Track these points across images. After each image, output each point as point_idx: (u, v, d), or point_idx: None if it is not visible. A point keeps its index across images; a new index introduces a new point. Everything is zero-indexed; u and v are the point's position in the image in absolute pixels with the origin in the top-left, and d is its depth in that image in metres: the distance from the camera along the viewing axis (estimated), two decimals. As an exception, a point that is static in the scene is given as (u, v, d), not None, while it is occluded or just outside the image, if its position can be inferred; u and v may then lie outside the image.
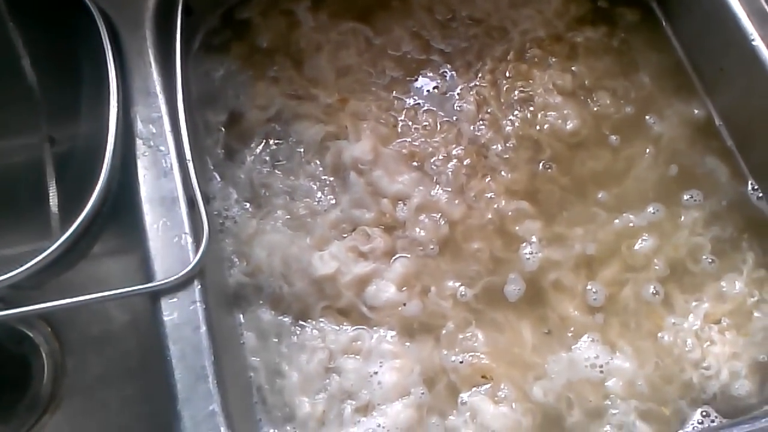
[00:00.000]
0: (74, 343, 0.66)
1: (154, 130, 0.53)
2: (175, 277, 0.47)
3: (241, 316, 0.56)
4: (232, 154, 0.61)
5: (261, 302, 0.56)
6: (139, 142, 0.53)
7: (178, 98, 0.52)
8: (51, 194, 0.62)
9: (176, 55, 0.54)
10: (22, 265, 0.49)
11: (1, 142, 0.65)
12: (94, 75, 0.56)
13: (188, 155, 0.51)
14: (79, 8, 0.55)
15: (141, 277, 0.51)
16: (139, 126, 0.53)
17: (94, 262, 0.60)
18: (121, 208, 0.52)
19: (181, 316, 0.48)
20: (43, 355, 0.64)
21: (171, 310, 0.48)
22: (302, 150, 0.61)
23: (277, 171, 0.61)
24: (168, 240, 0.50)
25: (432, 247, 0.58)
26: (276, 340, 0.55)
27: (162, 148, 0.52)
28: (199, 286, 0.48)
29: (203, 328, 0.47)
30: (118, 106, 0.51)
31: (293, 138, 0.61)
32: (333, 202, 0.59)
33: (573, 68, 0.65)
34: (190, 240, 0.50)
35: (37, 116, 0.64)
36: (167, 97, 0.54)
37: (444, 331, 0.56)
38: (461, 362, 0.54)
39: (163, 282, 0.47)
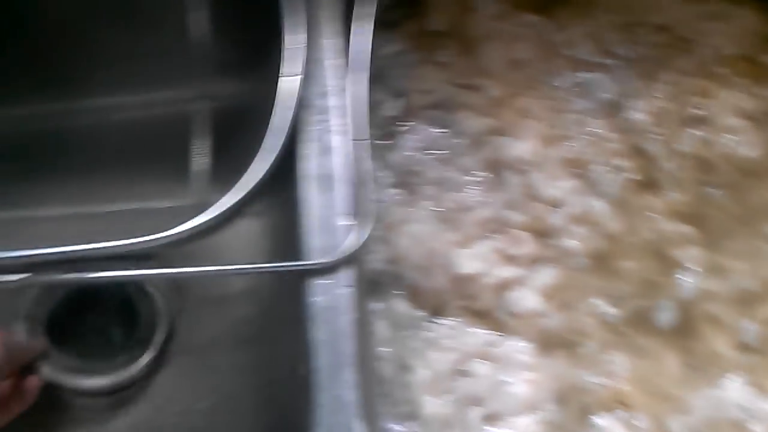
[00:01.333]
0: (194, 304, 0.67)
1: (325, 106, 0.52)
2: (332, 259, 0.47)
3: (376, 304, 0.55)
4: (389, 136, 0.60)
5: (398, 292, 0.55)
6: (306, 114, 0.52)
7: (360, 75, 0.51)
8: (201, 152, 0.62)
9: (356, 25, 0.53)
10: (165, 220, 0.50)
11: (160, 93, 0.66)
12: (267, 40, 0.56)
13: (360, 135, 0.50)
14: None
15: (288, 252, 0.51)
16: (308, 98, 0.52)
17: (239, 231, 0.61)
18: (278, 180, 0.52)
19: (330, 300, 0.47)
20: (161, 309, 0.66)
21: (319, 292, 0.47)
22: (461, 141, 0.59)
23: (432, 159, 0.59)
24: (323, 219, 0.50)
25: (583, 259, 0.56)
26: (408, 333, 0.54)
27: (331, 125, 0.52)
28: (356, 271, 0.48)
29: (350, 316, 0.47)
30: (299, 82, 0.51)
31: (454, 128, 0.60)
32: (485, 199, 0.57)
33: (760, 92, 0.60)
34: (346, 222, 0.49)
35: (200, 73, 0.64)
36: (345, 70, 0.53)
37: (583, 350, 0.54)
38: (598, 384, 0.52)
39: (318, 263, 0.47)
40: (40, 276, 0.46)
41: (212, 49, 0.63)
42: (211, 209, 0.49)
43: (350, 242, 0.48)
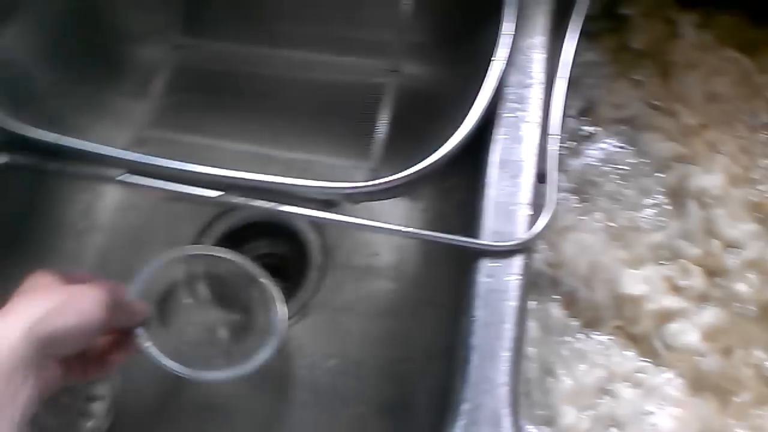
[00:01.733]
0: (341, 269, 0.68)
1: (525, 95, 0.52)
2: (510, 242, 0.46)
3: (530, 302, 0.54)
4: (572, 141, 0.59)
5: (555, 297, 0.54)
6: (503, 101, 0.52)
7: (562, 75, 0.51)
8: (382, 121, 0.63)
9: (571, 27, 0.53)
10: (338, 177, 0.51)
11: (353, 59, 0.68)
12: (472, 26, 0.57)
13: (554, 131, 0.49)
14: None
15: (460, 231, 0.50)
16: (509, 87, 0.52)
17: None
18: (467, 161, 0.51)
19: (498, 284, 0.47)
20: (311, 266, 0.67)
21: (489, 274, 0.47)
22: (644, 161, 0.58)
23: (611, 174, 0.58)
24: (503, 205, 0.49)
25: (751, 308, 0.53)
26: (558, 339, 0.53)
27: (527, 115, 0.51)
28: (525, 260, 0.47)
29: (515, 303, 0.46)
30: (501, 66, 0.50)
31: (639, 147, 0.59)
32: (661, 224, 0.56)
33: None
34: (526, 212, 0.49)
35: (395, 44, 0.66)
36: (547, 67, 0.53)
37: (736, 399, 0.51)
38: (745, 437, 0.50)
39: (496, 244, 0.47)
40: (234, 197, 0.48)
41: (415, 26, 0.64)
42: (398, 174, 0.49)
43: (526, 231, 0.47)
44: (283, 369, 0.63)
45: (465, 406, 0.44)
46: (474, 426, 0.43)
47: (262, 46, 0.67)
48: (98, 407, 0.61)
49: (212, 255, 0.55)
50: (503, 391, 0.44)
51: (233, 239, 0.69)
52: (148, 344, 0.49)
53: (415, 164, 0.49)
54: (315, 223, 0.70)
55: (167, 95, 0.66)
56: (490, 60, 0.53)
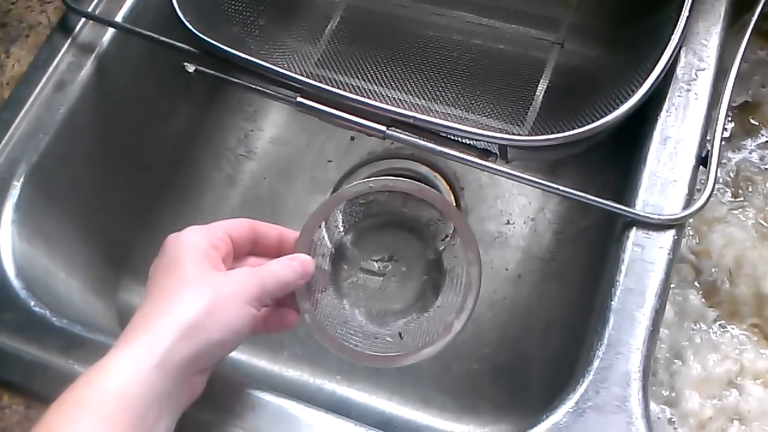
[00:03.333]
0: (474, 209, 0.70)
1: (695, 78, 0.52)
2: (666, 216, 0.47)
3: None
4: (732, 136, 0.58)
5: (695, 284, 0.54)
6: (675, 82, 0.52)
7: (735, 61, 0.51)
8: (538, 92, 0.64)
9: (750, 23, 0.52)
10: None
11: (517, 28, 0.69)
12: (647, 9, 0.57)
13: (721, 116, 0.49)
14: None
15: (602, 195, 0.51)
16: (681, 69, 0.52)
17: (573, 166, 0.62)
18: (621, 134, 0.52)
19: (648, 255, 0.47)
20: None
21: (638, 244, 0.47)
22: (807, 166, 0.57)
23: (768, 174, 0.57)
24: (661, 180, 0.49)
25: None
26: (694, 326, 0.53)
27: (696, 97, 0.51)
28: (675, 237, 0.47)
29: (661, 277, 0.46)
30: (676, 43, 0.50)
31: (803, 150, 0.57)
32: (816, 231, 0.54)
33: None
34: (683, 192, 0.49)
35: (562, 20, 0.66)
36: (720, 54, 0.53)
37: None
38: None
39: (651, 215, 0.47)
40: (399, 132, 0.50)
41: (583, 5, 0.65)
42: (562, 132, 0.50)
43: (680, 209, 0.48)
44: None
45: (597, 363, 0.44)
46: (603, 383, 0.44)
47: (432, 2, 0.69)
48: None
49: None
50: (637, 357, 0.45)
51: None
52: (307, 315, 0.44)
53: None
54: (454, 186, 0.73)
55: (336, 41, 0.70)
56: (656, 47, 0.53)
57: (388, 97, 0.62)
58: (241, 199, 0.73)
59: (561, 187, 0.48)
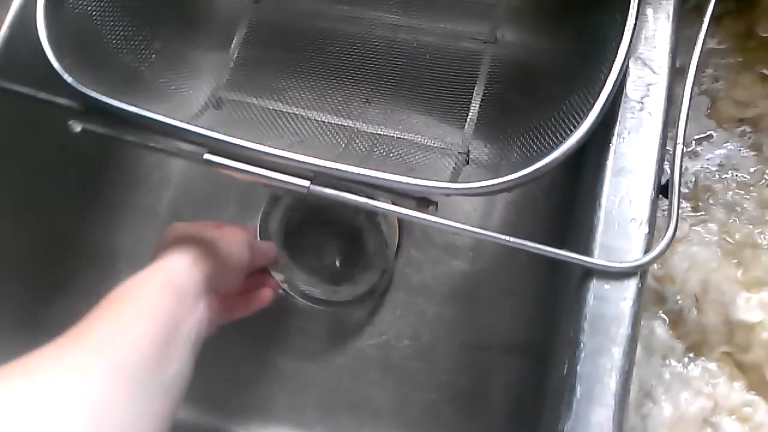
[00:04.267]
0: (418, 249, 0.65)
1: (648, 94, 0.47)
2: (627, 264, 0.42)
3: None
4: (688, 140, 0.54)
5: (660, 314, 0.50)
6: (627, 101, 0.47)
7: (691, 70, 0.45)
8: (475, 95, 0.58)
9: (702, 27, 0.46)
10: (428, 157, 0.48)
11: (452, 25, 0.62)
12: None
13: (680, 138, 0.44)
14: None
15: (550, 240, 0.46)
16: (632, 84, 0.47)
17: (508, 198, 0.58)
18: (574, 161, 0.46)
19: (610, 308, 0.42)
20: (386, 246, 0.64)
21: (601, 296, 0.43)
22: (768, 169, 0.52)
23: (729, 181, 0.53)
24: (619, 218, 0.45)
25: None
26: (660, 361, 0.49)
27: (650, 116, 0.46)
28: (639, 285, 0.43)
29: (626, 332, 0.42)
30: (624, 56, 0.45)
31: (764, 153, 0.53)
32: (784, 243, 0.51)
33: None
34: (644, 230, 0.44)
35: (495, 8, 0.60)
36: (672, 62, 0.47)
37: None
38: None
39: (610, 264, 0.42)
40: (324, 189, 0.44)
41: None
42: (501, 175, 0.44)
43: (641, 250, 0.43)
44: (351, 345, 0.62)
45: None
46: (574, 462, 0.40)
47: (346, 5, 0.62)
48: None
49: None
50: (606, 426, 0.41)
51: (311, 207, 0.65)
52: (283, 283, 0.57)
53: (519, 155, 0.45)
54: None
55: (245, 50, 0.62)
56: (598, 47, 0.47)
57: (310, 119, 0.55)
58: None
59: (511, 238, 0.43)
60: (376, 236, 0.63)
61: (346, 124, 0.58)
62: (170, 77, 0.59)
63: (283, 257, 0.60)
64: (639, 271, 0.43)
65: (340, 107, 0.59)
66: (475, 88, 0.59)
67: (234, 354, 0.63)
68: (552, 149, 0.42)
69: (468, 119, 0.58)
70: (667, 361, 0.49)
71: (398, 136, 0.58)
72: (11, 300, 0.60)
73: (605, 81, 0.43)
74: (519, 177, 0.43)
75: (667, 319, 0.50)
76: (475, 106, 0.59)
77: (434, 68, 0.61)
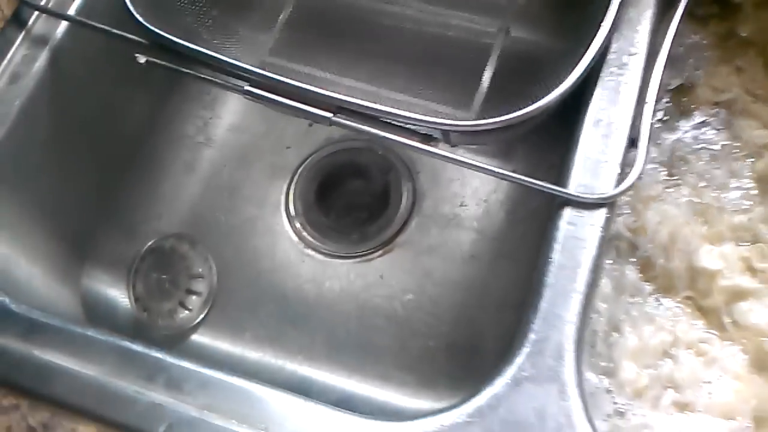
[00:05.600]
0: (430, 192, 0.72)
1: (626, 63, 0.54)
2: (596, 195, 0.49)
3: (607, 261, 0.57)
4: (667, 117, 0.61)
5: (632, 260, 0.56)
6: (606, 66, 0.54)
7: (665, 46, 0.53)
8: (485, 79, 0.66)
9: (678, 9, 0.54)
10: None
11: (465, 15, 0.71)
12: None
13: (651, 98, 0.51)
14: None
15: (549, 177, 0.53)
16: (613, 54, 0.54)
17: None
18: (563, 121, 0.54)
19: (580, 232, 0.49)
20: (401, 192, 0.72)
21: (571, 222, 0.50)
22: (737, 146, 0.59)
23: (701, 153, 0.59)
24: (592, 161, 0.52)
25: (826, 298, 0.54)
26: (630, 299, 0.55)
27: (626, 81, 0.53)
28: (607, 216, 0.50)
29: (593, 253, 0.49)
30: (607, 30, 0.52)
31: (733, 131, 0.60)
32: (745, 207, 0.57)
33: None
34: (615, 171, 0.51)
35: (507, 6, 0.68)
36: (651, 40, 0.55)
37: (796, 382, 0.52)
38: (800, 419, 0.51)
39: (582, 194, 0.49)
40: (344, 119, 0.52)
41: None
42: (495, 117, 0.52)
43: (612, 187, 0.50)
44: (360, 297, 0.68)
45: (532, 336, 0.47)
46: (538, 355, 0.46)
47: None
48: (195, 301, 0.67)
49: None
50: (570, 329, 0.47)
51: (332, 175, 0.73)
52: None
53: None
54: (409, 169, 0.75)
55: (288, 30, 0.71)
56: (596, 30, 0.55)
57: (339, 84, 0.64)
58: (200, 186, 0.75)
59: (494, 168, 0.50)
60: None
61: (370, 89, 0.66)
62: (222, 40, 0.68)
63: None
64: (606, 204, 0.50)
65: (367, 76, 0.67)
66: (484, 71, 0.67)
67: (252, 294, 0.70)
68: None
69: (476, 96, 0.66)
70: (636, 300, 0.55)
71: (414, 102, 0.66)
72: (68, 225, 0.69)
73: (588, 48, 0.51)
74: (512, 117, 0.50)
75: (638, 265, 0.56)
76: (483, 86, 0.66)
77: (452, 53, 0.69)
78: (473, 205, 0.72)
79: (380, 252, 0.70)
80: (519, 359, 0.46)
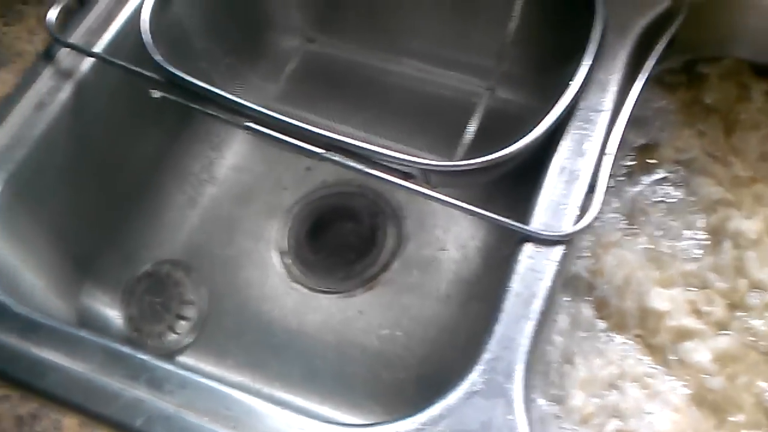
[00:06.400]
0: (414, 236, 0.77)
1: (593, 119, 0.60)
2: (555, 233, 0.54)
3: (565, 298, 0.61)
4: (631, 172, 0.66)
5: (588, 298, 0.61)
6: (574, 121, 0.60)
7: (627, 105, 0.59)
8: (469, 130, 0.72)
9: (641, 74, 0.61)
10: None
11: (453, 73, 0.78)
12: (565, 59, 0.65)
13: (612, 150, 0.57)
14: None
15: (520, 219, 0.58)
16: (581, 110, 0.61)
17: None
18: (535, 167, 0.60)
19: (538, 265, 0.54)
20: (387, 235, 0.77)
21: (530, 256, 0.55)
22: (693, 200, 0.64)
23: (660, 205, 0.65)
24: (555, 203, 0.57)
25: (764, 343, 0.58)
26: (584, 334, 0.60)
27: (591, 135, 0.59)
28: (564, 252, 0.55)
29: (548, 284, 0.54)
30: (577, 88, 0.59)
31: (691, 187, 0.65)
32: (696, 256, 0.62)
33: None
34: (574, 213, 0.56)
35: (494, 69, 0.75)
36: (617, 100, 0.61)
37: (732, 419, 0.56)
38: (735, 456, 0.55)
39: (542, 231, 0.54)
40: (333, 156, 0.58)
41: (513, 56, 0.73)
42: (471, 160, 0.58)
43: (570, 228, 0.55)
44: (343, 329, 0.73)
45: (486, 356, 0.51)
46: (491, 372, 0.51)
47: (380, 51, 0.78)
48: (184, 326, 0.72)
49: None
50: (521, 351, 0.51)
51: (324, 217, 0.79)
52: None
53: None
54: (396, 214, 0.80)
55: (293, 80, 0.78)
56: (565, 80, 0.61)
57: (335, 129, 0.70)
58: (200, 219, 0.80)
59: (460, 203, 0.56)
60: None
61: (363, 136, 0.73)
62: (232, 86, 0.75)
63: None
64: (564, 241, 0.55)
65: (361, 124, 0.73)
66: (470, 126, 0.73)
67: (238, 321, 0.75)
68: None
69: (459, 148, 0.72)
70: (589, 335, 0.60)
71: (404, 149, 0.72)
72: (74, 244, 0.74)
73: (555, 104, 0.58)
74: (485, 160, 0.56)
75: (594, 303, 0.61)
76: (467, 139, 0.72)
77: (442, 109, 0.76)
78: (453, 250, 0.77)
79: (362, 289, 0.75)
80: (473, 375, 0.51)
